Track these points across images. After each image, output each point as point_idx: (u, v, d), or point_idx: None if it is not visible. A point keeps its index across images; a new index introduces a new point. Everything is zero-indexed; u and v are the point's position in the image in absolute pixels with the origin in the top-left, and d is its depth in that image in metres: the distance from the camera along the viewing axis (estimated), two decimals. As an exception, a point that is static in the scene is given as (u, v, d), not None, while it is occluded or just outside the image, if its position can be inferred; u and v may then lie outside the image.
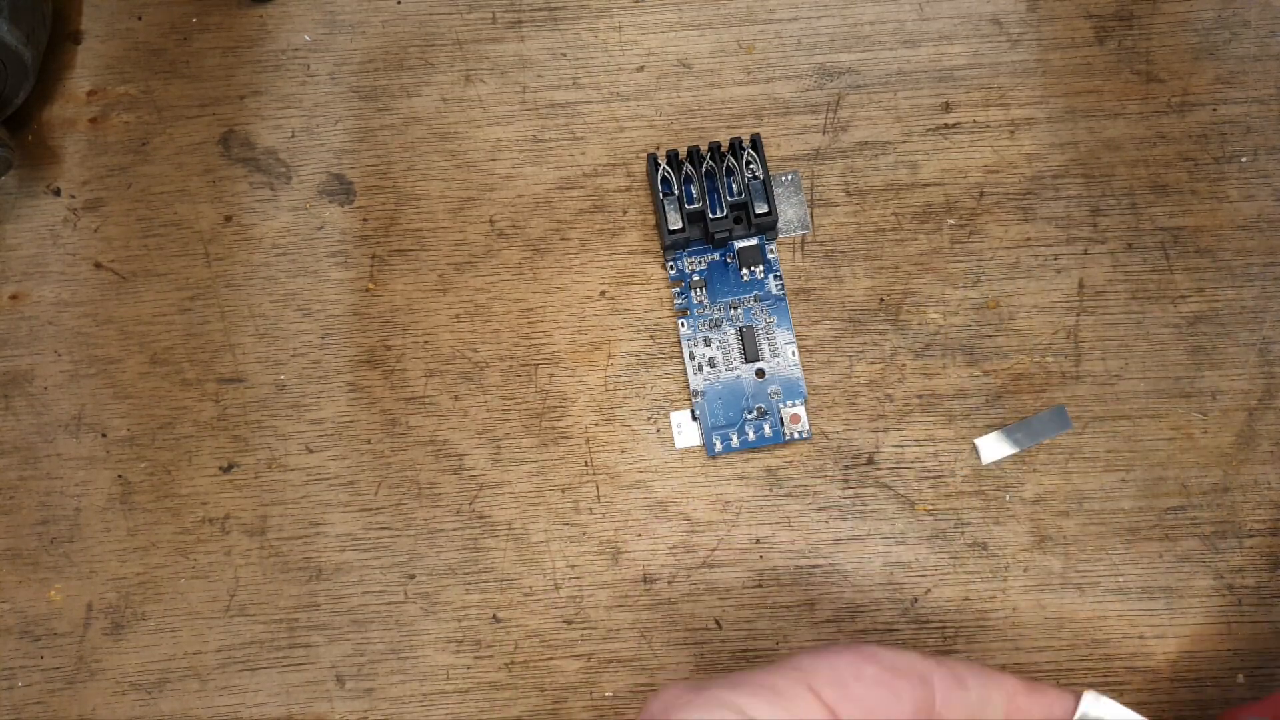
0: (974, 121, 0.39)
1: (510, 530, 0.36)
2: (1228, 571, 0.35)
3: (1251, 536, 0.35)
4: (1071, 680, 0.35)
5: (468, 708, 0.35)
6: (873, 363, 0.37)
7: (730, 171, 0.37)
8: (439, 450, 0.37)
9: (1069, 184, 0.38)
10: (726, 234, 0.37)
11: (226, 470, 0.37)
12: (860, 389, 0.37)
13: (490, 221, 0.39)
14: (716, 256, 0.38)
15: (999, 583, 0.35)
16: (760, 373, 0.37)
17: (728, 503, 0.36)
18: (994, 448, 0.36)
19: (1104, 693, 0.27)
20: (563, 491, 0.37)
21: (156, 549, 0.37)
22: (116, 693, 0.36)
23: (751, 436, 0.36)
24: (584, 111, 0.40)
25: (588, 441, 0.37)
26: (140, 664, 0.36)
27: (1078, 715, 0.26)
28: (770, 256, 0.38)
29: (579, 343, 0.38)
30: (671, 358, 0.38)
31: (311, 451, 0.37)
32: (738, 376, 0.37)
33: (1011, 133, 0.39)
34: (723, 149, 0.37)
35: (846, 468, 0.36)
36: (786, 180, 0.39)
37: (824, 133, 0.39)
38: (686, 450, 0.37)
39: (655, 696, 0.23)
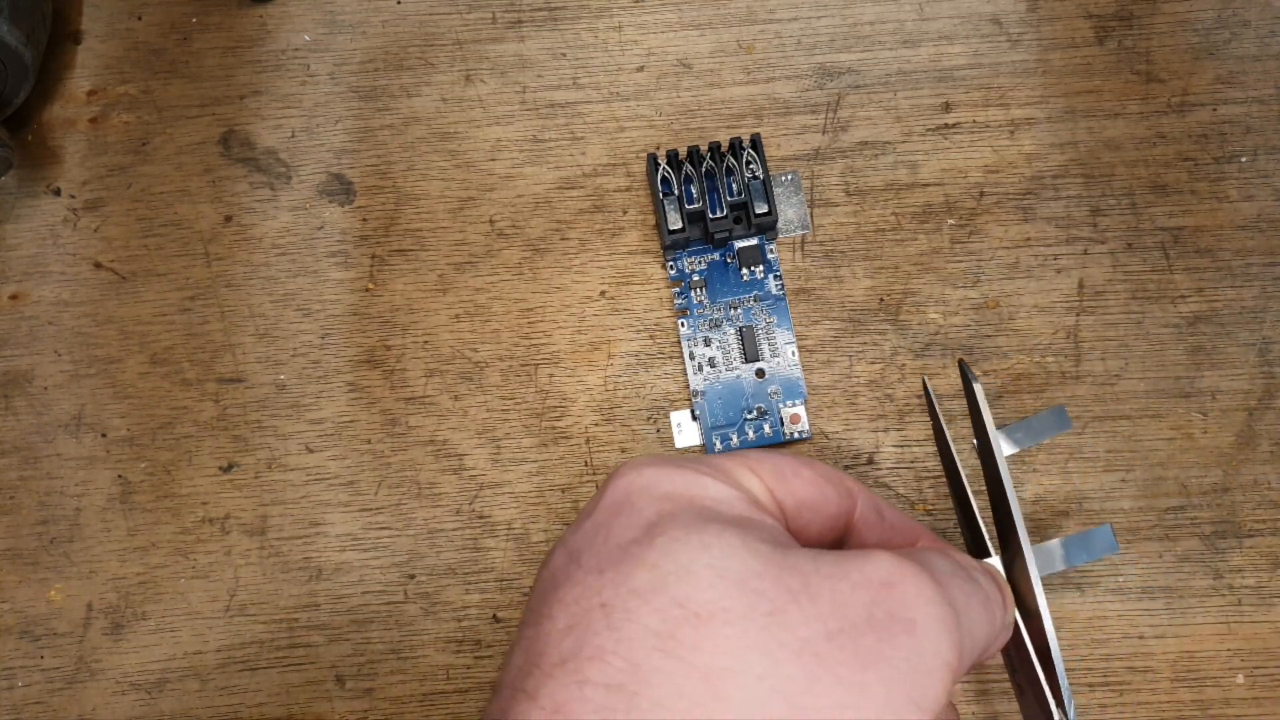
0: (974, 121, 0.39)
1: (510, 530, 0.36)
2: (1228, 571, 0.35)
3: (1251, 536, 0.35)
4: (1072, 681, 0.35)
5: (468, 708, 0.35)
6: (873, 363, 0.37)
7: (730, 171, 0.37)
8: (439, 450, 0.37)
9: (1069, 184, 0.38)
10: (726, 234, 0.37)
11: (226, 470, 0.37)
12: (860, 389, 0.37)
13: (490, 221, 0.39)
14: (716, 256, 0.38)
15: (999, 583, 0.35)
16: (760, 373, 0.37)
17: (728, 503, 0.36)
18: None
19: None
20: (563, 491, 0.37)
21: (156, 549, 0.37)
22: (116, 693, 0.36)
23: (751, 436, 0.36)
24: (584, 111, 0.40)
25: (588, 441, 0.37)
26: (140, 664, 0.36)
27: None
28: (770, 256, 0.38)
29: (579, 343, 0.38)
30: (671, 358, 0.38)
31: (311, 451, 0.37)
32: (738, 376, 0.37)
33: (1011, 133, 0.39)
34: (723, 149, 0.37)
35: (846, 468, 0.36)
36: (786, 180, 0.39)
37: (824, 133, 0.39)
38: (686, 450, 0.37)
39: (618, 467, 0.25)
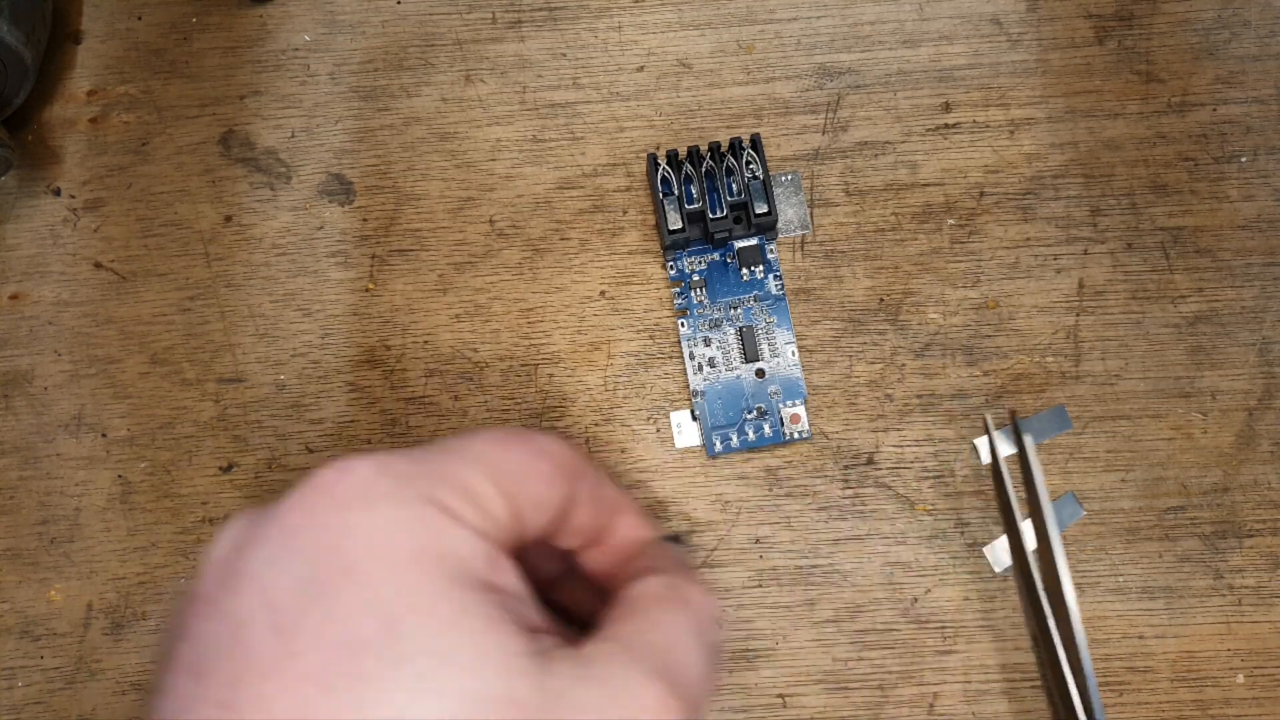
0: (974, 121, 0.39)
1: (510, 530, 0.36)
2: (1228, 571, 0.35)
3: (1251, 536, 0.35)
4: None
5: (468, 708, 0.35)
6: (873, 363, 0.37)
7: (730, 171, 0.37)
8: (439, 450, 0.37)
9: (1069, 184, 0.38)
10: (726, 234, 0.37)
11: (226, 470, 0.37)
12: (860, 389, 0.37)
13: (490, 221, 0.39)
14: (716, 256, 0.38)
15: (999, 583, 0.35)
16: (760, 373, 0.37)
17: (728, 503, 0.36)
18: None
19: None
20: (563, 491, 0.37)
21: (156, 549, 0.37)
22: (117, 693, 0.36)
23: (751, 436, 0.36)
24: (584, 111, 0.40)
25: (588, 441, 0.37)
26: (140, 664, 0.36)
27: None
28: (770, 256, 0.38)
29: (579, 343, 0.38)
30: (671, 358, 0.38)
31: (312, 451, 0.37)
32: (738, 376, 0.37)
33: (1011, 133, 0.39)
34: (723, 149, 0.37)
35: (846, 468, 0.36)
36: (786, 180, 0.39)
37: (824, 133, 0.39)
38: (686, 450, 0.37)
39: (335, 468, 0.22)
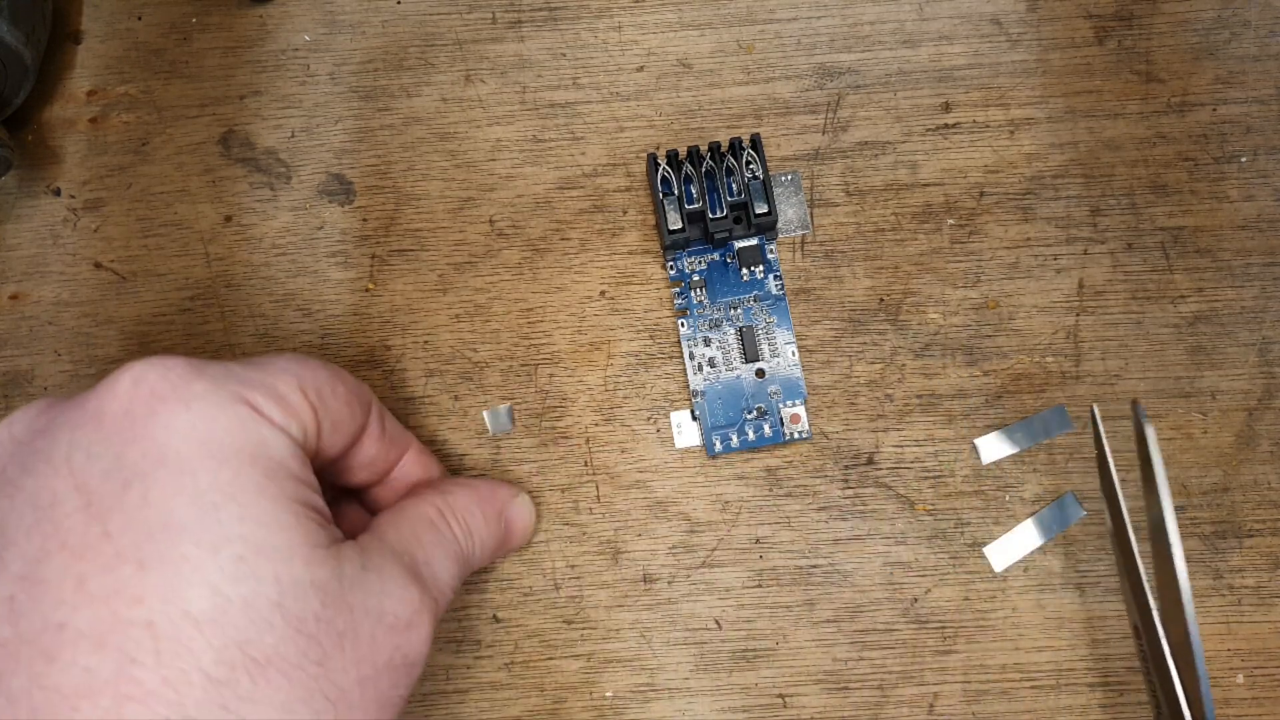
0: (974, 121, 0.39)
1: (510, 530, 0.36)
2: (1227, 571, 0.35)
3: (1251, 536, 0.35)
4: (1072, 680, 0.35)
5: (468, 708, 0.35)
6: (873, 363, 0.37)
7: (730, 171, 0.37)
8: (439, 450, 0.37)
9: (1069, 184, 0.38)
10: (726, 234, 0.37)
11: (226, 470, 0.37)
12: (860, 389, 0.37)
13: (490, 221, 0.39)
14: (716, 256, 0.38)
15: (999, 583, 0.35)
16: (760, 373, 0.37)
17: (728, 503, 0.36)
18: (994, 448, 0.36)
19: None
20: (563, 491, 0.37)
21: (156, 549, 0.37)
22: (116, 693, 0.36)
23: (751, 436, 0.36)
24: (584, 111, 0.40)
25: (588, 441, 0.37)
26: (140, 664, 0.36)
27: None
28: (770, 256, 0.38)
29: (579, 343, 0.38)
30: (671, 358, 0.38)
31: (311, 451, 0.37)
32: (738, 376, 0.37)
33: (1011, 133, 0.39)
34: (723, 149, 0.37)
35: (846, 468, 0.36)
36: (786, 180, 0.39)
37: (824, 133, 0.39)
38: (686, 450, 0.37)
39: (149, 365, 0.24)
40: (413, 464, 0.32)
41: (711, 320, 0.37)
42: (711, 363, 0.37)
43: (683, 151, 0.38)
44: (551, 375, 0.37)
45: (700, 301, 0.38)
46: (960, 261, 0.38)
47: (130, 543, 0.20)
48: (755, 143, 0.37)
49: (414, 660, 0.25)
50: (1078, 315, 0.37)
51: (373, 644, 0.24)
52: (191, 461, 0.22)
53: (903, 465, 0.36)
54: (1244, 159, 0.38)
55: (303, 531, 0.23)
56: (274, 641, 0.21)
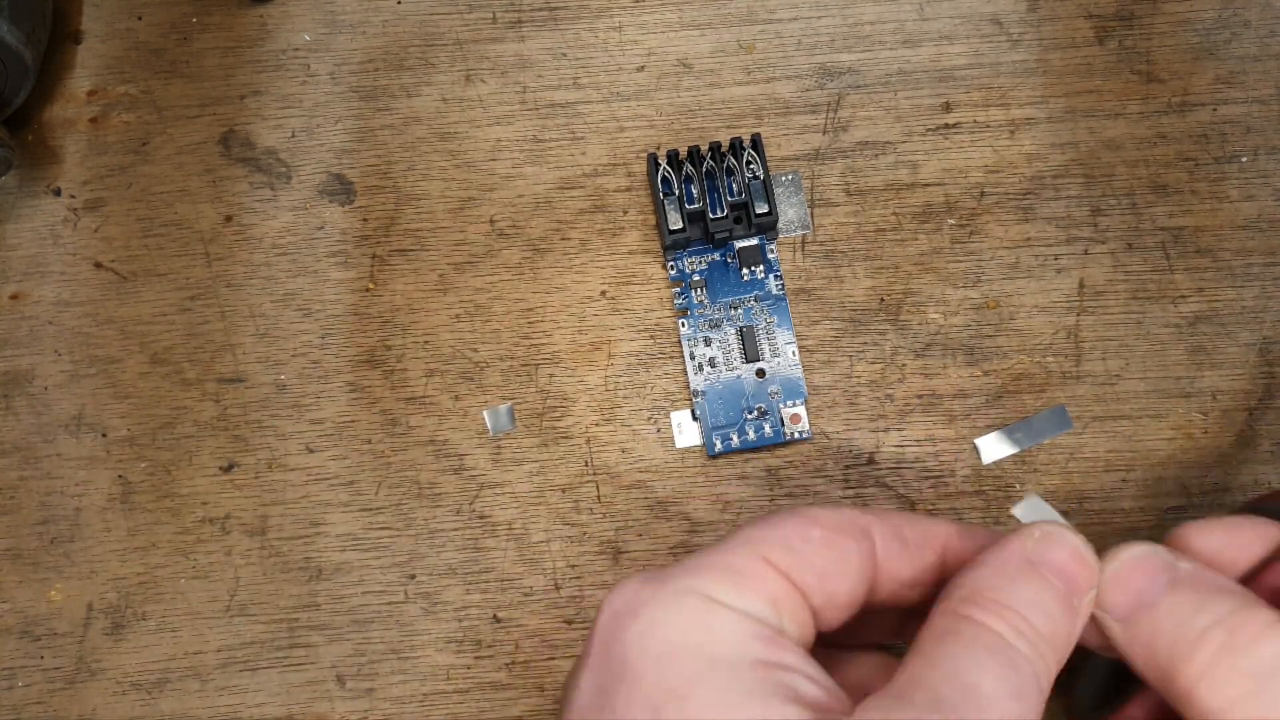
0: (974, 121, 0.39)
1: (511, 530, 0.36)
2: (1228, 571, 0.35)
3: (1252, 536, 0.35)
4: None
5: (468, 708, 0.35)
6: (873, 363, 0.37)
7: (730, 171, 0.37)
8: (439, 450, 0.37)
9: (1069, 184, 0.38)
10: (727, 234, 0.37)
11: (227, 470, 0.37)
12: (860, 389, 0.37)
13: (490, 221, 0.39)
14: (717, 256, 0.38)
15: (999, 583, 0.35)
16: (760, 373, 0.37)
17: (728, 503, 0.36)
18: (994, 448, 0.36)
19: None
20: (563, 491, 0.37)
21: (157, 549, 0.37)
22: (117, 693, 0.36)
23: (752, 436, 0.36)
24: (584, 111, 0.40)
25: (588, 441, 0.37)
26: (140, 664, 0.36)
27: (1017, 513, 0.26)
28: (770, 256, 0.38)
29: (579, 343, 0.38)
30: (671, 358, 0.38)
31: (312, 451, 0.37)
32: (738, 376, 0.37)
33: (1012, 133, 0.39)
34: (723, 149, 0.37)
35: (847, 468, 0.36)
36: (787, 180, 0.39)
37: (824, 133, 0.39)
38: (686, 450, 0.37)
39: (614, 592, 0.23)
40: (962, 556, 0.25)
41: (712, 320, 0.37)
42: (712, 363, 0.37)
43: (683, 151, 0.38)
44: (552, 375, 0.37)
45: (701, 301, 0.38)
46: (961, 261, 0.38)
47: None
48: (756, 143, 0.37)
49: None
50: (1078, 315, 0.37)
51: None
52: (640, 671, 0.21)
53: (903, 465, 0.36)
54: (1244, 159, 0.38)
55: (758, 710, 0.20)
56: None
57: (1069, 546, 0.23)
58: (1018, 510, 0.27)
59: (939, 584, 0.25)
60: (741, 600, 0.22)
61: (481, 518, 0.36)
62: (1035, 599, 0.22)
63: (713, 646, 0.21)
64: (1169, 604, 0.23)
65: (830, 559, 0.23)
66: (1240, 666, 0.22)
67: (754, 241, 0.38)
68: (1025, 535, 0.24)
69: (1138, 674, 0.24)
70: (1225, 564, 0.25)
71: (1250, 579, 0.25)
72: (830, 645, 0.25)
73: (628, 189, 0.39)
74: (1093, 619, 0.24)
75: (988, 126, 0.39)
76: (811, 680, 0.22)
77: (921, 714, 0.20)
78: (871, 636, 0.28)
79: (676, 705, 0.20)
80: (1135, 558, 0.24)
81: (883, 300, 0.38)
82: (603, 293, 0.38)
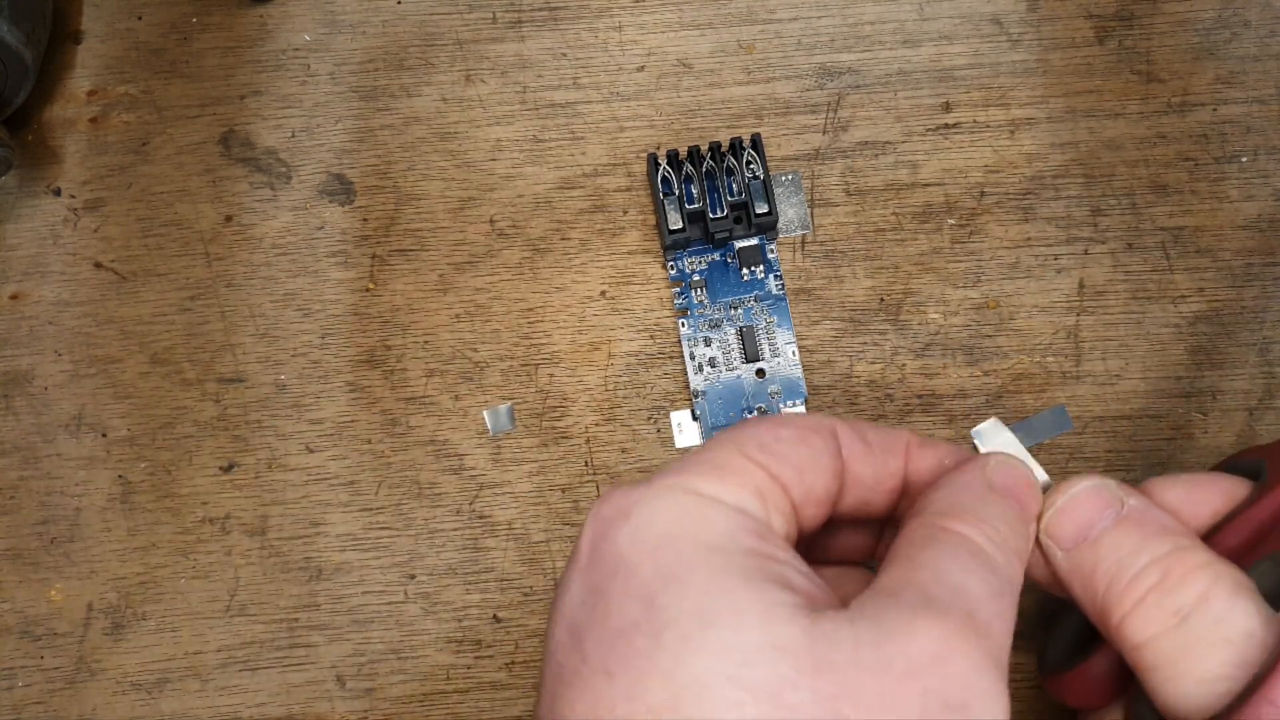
0: (974, 121, 0.39)
1: (511, 530, 0.36)
2: (1228, 571, 0.35)
3: (1252, 536, 0.35)
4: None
5: (468, 708, 0.35)
6: (873, 363, 0.37)
7: (730, 171, 0.37)
8: (439, 450, 0.37)
9: (1069, 184, 0.38)
10: (727, 234, 0.37)
11: (227, 470, 0.37)
12: (860, 389, 0.37)
13: (490, 221, 0.39)
14: (716, 256, 0.38)
15: (999, 583, 0.35)
16: (760, 373, 0.37)
17: (728, 503, 0.36)
18: (993, 441, 0.36)
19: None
20: (563, 491, 0.37)
21: (157, 549, 0.37)
22: (117, 693, 0.36)
23: (752, 436, 0.36)
24: (584, 111, 0.40)
25: (588, 441, 0.37)
26: (140, 664, 0.36)
27: (979, 443, 0.28)
28: (770, 256, 0.38)
29: (579, 343, 0.38)
30: (671, 358, 0.38)
31: (312, 451, 0.37)
32: (738, 376, 0.37)
33: (1012, 133, 0.39)
34: (723, 149, 0.37)
35: (847, 468, 0.36)
36: (787, 180, 0.39)
37: (824, 133, 0.39)
38: (687, 450, 0.37)
39: (600, 502, 0.23)
40: (921, 465, 0.26)
41: (712, 320, 0.37)
42: (712, 363, 0.37)
43: (683, 151, 0.38)
44: (552, 375, 0.37)
45: (700, 301, 0.38)
46: (960, 261, 0.38)
47: (599, 656, 0.20)
48: (755, 143, 0.37)
49: (962, 701, 0.20)
50: (1078, 315, 0.37)
51: (888, 700, 0.19)
52: (635, 564, 0.21)
53: (903, 465, 0.36)
54: (1244, 159, 0.38)
55: (754, 594, 0.20)
56: (742, 717, 0.19)
57: (1019, 474, 0.25)
58: (979, 434, 0.28)
59: (901, 494, 0.26)
60: (728, 493, 0.22)
61: (481, 518, 0.36)
62: (1003, 516, 0.24)
63: (706, 536, 0.22)
64: (1112, 539, 0.24)
65: (804, 454, 0.24)
66: (1165, 604, 0.23)
67: (754, 241, 0.38)
68: (982, 463, 0.25)
69: (1076, 603, 0.25)
70: (1184, 519, 0.26)
71: (1209, 536, 0.26)
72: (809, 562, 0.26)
73: (628, 189, 0.39)
74: (1042, 549, 0.25)
75: (988, 126, 0.39)
76: (800, 573, 0.22)
77: (916, 609, 0.21)
78: (842, 554, 0.29)
79: (675, 589, 0.21)
80: (1086, 490, 0.25)
81: (883, 300, 0.38)
82: (602, 293, 0.38)
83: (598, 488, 0.37)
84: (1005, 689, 0.21)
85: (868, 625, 0.20)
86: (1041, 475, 0.27)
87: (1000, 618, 0.22)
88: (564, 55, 0.40)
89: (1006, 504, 0.24)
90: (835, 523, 0.27)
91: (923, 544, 0.23)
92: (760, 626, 0.20)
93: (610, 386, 0.37)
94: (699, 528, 0.22)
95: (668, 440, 0.37)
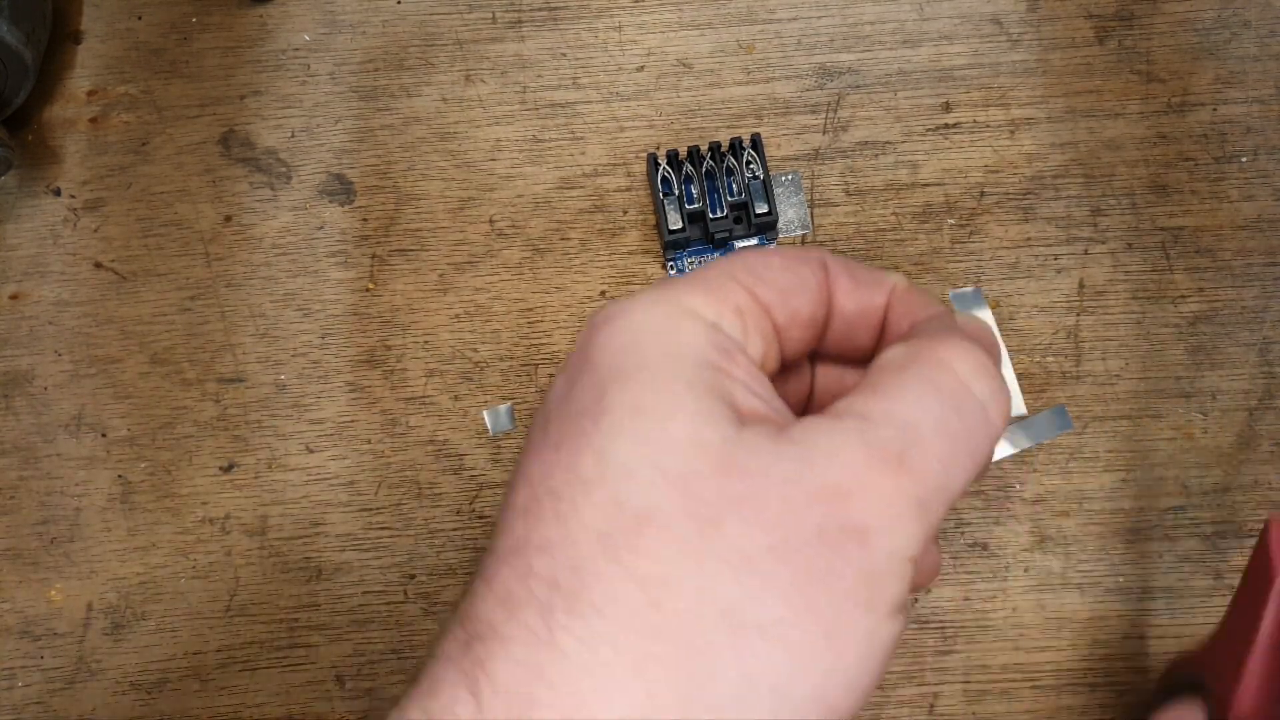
0: (974, 121, 0.39)
1: (510, 530, 0.36)
2: (1228, 572, 0.35)
3: (1252, 537, 0.35)
4: (1072, 680, 0.35)
5: (468, 708, 0.35)
6: (873, 363, 0.37)
7: (730, 171, 0.37)
8: (439, 450, 0.37)
9: (1069, 184, 0.38)
10: (726, 234, 0.37)
11: (227, 470, 0.37)
12: (860, 389, 0.37)
13: (490, 221, 0.39)
14: (717, 256, 0.38)
15: (999, 583, 0.35)
16: (760, 373, 0.37)
17: (728, 503, 0.36)
18: (970, 307, 0.36)
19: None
20: (563, 491, 0.37)
21: (156, 549, 0.37)
22: (116, 693, 0.36)
23: (752, 436, 0.36)
24: (584, 111, 0.40)
25: (588, 441, 0.37)
26: (140, 664, 0.36)
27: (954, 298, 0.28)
28: (770, 256, 0.38)
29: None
30: (671, 358, 0.37)
31: (312, 451, 0.37)
32: (738, 376, 0.37)
33: (1012, 133, 0.39)
34: (723, 149, 0.37)
35: (847, 468, 0.36)
36: (787, 180, 0.39)
37: (824, 133, 0.39)
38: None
39: (597, 310, 0.25)
40: (900, 309, 0.27)
41: (712, 320, 0.37)
42: (712, 363, 0.37)
43: (683, 151, 0.38)
44: (551, 375, 0.37)
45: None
46: (961, 261, 0.38)
47: (555, 432, 0.23)
48: (755, 143, 0.37)
49: (859, 528, 0.21)
50: (1078, 315, 0.37)
51: (786, 512, 0.21)
52: (600, 360, 0.23)
53: (903, 465, 0.36)
54: (1244, 159, 0.38)
55: (691, 400, 0.22)
56: (653, 498, 0.21)
57: (989, 334, 0.26)
58: (958, 297, 0.29)
59: (881, 333, 0.27)
60: (708, 309, 0.24)
61: (481, 518, 0.36)
62: (989, 358, 0.24)
63: (669, 343, 0.23)
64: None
65: (790, 279, 0.25)
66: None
67: (754, 241, 0.38)
68: (963, 316, 0.26)
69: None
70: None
71: None
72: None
73: (627, 189, 0.39)
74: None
75: (988, 126, 0.39)
76: (753, 394, 0.23)
77: (848, 438, 0.22)
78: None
79: (619, 386, 0.22)
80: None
81: (883, 300, 0.38)
82: (602, 293, 0.38)
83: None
84: (921, 529, 0.21)
85: (792, 444, 0.22)
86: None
87: (941, 462, 0.22)
88: (564, 55, 0.40)
89: (986, 350, 0.25)
90: (826, 360, 0.28)
91: (895, 369, 0.23)
92: (687, 425, 0.21)
93: (610, 386, 0.37)
94: (666, 336, 0.23)
95: (668, 440, 0.37)
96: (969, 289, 0.29)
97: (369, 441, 0.37)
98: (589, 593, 0.20)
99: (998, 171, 0.39)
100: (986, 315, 0.28)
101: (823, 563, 0.21)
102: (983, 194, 0.38)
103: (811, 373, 0.28)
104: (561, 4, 0.41)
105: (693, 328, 0.23)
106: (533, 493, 0.22)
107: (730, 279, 0.24)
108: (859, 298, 0.26)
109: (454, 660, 0.21)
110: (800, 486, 0.21)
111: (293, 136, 0.40)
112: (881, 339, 0.27)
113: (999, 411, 0.23)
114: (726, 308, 0.24)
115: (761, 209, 0.37)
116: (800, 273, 0.25)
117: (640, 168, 0.39)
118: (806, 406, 0.28)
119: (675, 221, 0.37)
